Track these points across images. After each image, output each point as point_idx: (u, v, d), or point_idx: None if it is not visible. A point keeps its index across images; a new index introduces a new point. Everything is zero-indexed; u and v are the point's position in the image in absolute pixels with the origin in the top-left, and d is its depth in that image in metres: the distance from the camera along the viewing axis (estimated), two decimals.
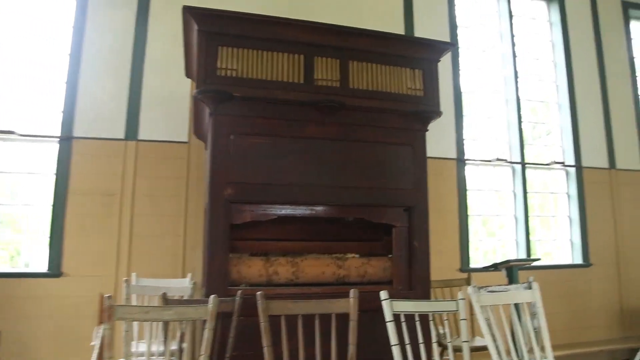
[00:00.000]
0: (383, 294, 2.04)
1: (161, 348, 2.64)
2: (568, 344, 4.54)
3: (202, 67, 2.66)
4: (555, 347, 3.79)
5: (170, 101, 4.04)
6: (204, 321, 1.81)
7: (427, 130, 3.01)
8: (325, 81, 2.82)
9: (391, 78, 2.96)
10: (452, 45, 4.43)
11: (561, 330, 4.51)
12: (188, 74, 3.54)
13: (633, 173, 5.40)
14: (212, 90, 2.61)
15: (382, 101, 2.88)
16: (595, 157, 5.25)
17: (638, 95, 5.63)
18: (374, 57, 2.94)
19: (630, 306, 5.01)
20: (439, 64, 3.13)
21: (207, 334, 1.73)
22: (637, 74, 5.70)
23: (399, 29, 4.63)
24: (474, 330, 3.45)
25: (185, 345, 2.02)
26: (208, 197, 2.61)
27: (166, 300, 2.17)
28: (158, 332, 2.80)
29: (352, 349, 2.04)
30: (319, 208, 2.75)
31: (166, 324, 1.98)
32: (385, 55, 2.96)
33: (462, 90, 4.75)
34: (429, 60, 3.06)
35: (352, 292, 2.10)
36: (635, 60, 5.74)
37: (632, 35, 5.82)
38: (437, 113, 2.99)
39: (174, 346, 2.34)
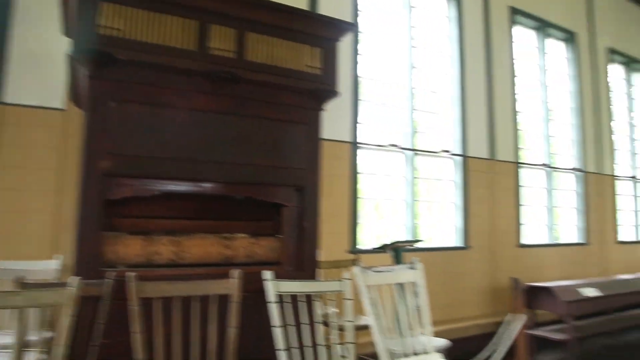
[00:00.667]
0: (266, 274, 1.97)
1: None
2: (446, 319, 4.85)
3: (79, 23, 2.36)
4: (434, 323, 4.03)
5: (45, 61, 3.58)
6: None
7: (324, 110, 2.97)
8: (220, 51, 2.65)
9: (289, 54, 2.86)
10: (353, 26, 4.45)
11: (440, 307, 4.80)
12: (65, 31, 3.15)
13: (509, 164, 5.88)
14: (91, 51, 2.33)
15: (279, 77, 2.78)
16: (479, 147, 5.63)
17: (515, 95, 6.11)
18: (272, 31, 2.81)
19: (499, 284, 5.49)
20: (340, 46, 3.09)
21: (65, 320, 1.53)
22: (515, 75, 6.17)
23: (301, 4, 4.54)
24: (360, 310, 3.53)
25: (48, 334, 1.79)
26: (81, 169, 2.34)
27: (23, 284, 1.91)
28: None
29: (233, 332, 1.95)
30: (207, 185, 2.60)
31: (22, 311, 1.73)
32: (285, 30, 2.85)
33: (360, 75, 4.79)
34: (329, 39, 3.00)
35: (234, 273, 2.00)
36: (515, 62, 6.21)
37: (514, 39, 6.29)
38: (335, 93, 2.95)
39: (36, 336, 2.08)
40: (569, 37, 7.08)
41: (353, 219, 4.50)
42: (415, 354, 2.54)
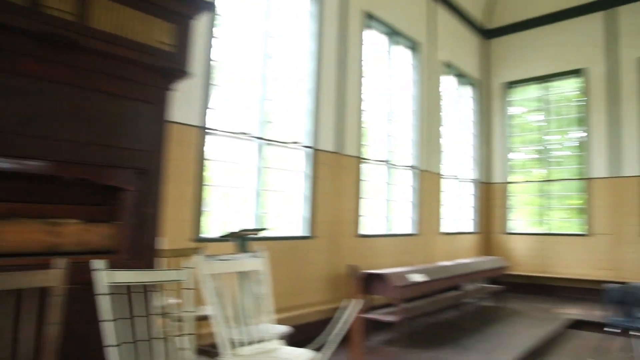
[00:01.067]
0: (96, 263, 1.80)
1: None
2: (289, 307, 4.99)
3: None
4: (278, 311, 4.12)
5: None
6: None
7: (173, 90, 2.81)
8: (57, 11, 2.33)
9: (140, 26, 2.64)
10: (210, 5, 4.29)
11: (284, 295, 4.93)
12: None
13: (353, 159, 6.25)
14: None
15: (126, 49, 2.55)
16: (328, 141, 5.87)
17: (362, 94, 6.48)
18: None
19: (340, 272, 5.82)
20: (195, 26, 2.94)
21: None
22: (363, 76, 6.55)
23: None
24: (202, 300, 3.45)
25: None
26: None
27: None
28: None
29: (53, 329, 1.74)
30: (32, 163, 2.27)
31: None
32: None
33: (214, 58, 4.64)
34: (184, 16, 2.84)
35: (58, 262, 1.79)
36: (365, 63, 6.59)
37: (367, 41, 6.68)
38: (186, 73, 2.81)
39: None
40: (414, 46, 7.76)
41: (198, 207, 4.36)
42: (257, 342, 2.56)
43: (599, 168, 8.47)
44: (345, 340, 3.34)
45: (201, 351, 3.26)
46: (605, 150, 8.42)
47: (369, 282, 5.35)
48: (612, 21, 8.54)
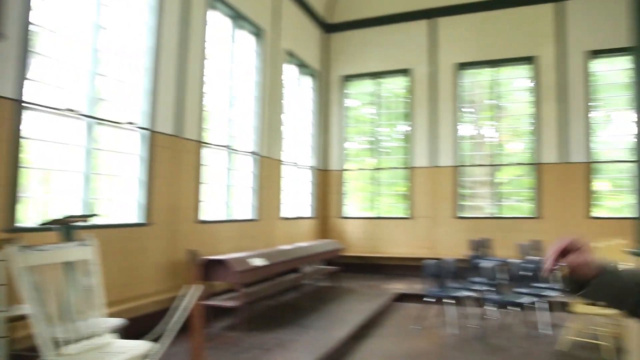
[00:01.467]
0: None
1: None
2: (124, 298, 4.66)
3: None
4: (111, 304, 3.82)
5: None
6: None
7: None
8: None
9: None
10: None
11: (118, 286, 4.59)
12: None
13: (193, 143, 6.04)
14: None
15: None
16: (166, 123, 5.57)
17: (204, 76, 6.29)
18: None
19: (177, 259, 5.61)
20: None
21: None
22: (206, 58, 6.35)
23: None
24: (17, 297, 3.03)
25: None
26: None
27: None
28: None
29: None
30: None
31: None
32: None
33: (36, 22, 4.05)
34: None
35: None
36: (207, 45, 6.40)
37: (210, 22, 6.47)
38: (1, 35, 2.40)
39: None
40: (258, 33, 7.77)
41: (13, 192, 3.80)
42: (86, 338, 2.33)
43: (420, 158, 9.54)
44: (185, 329, 3.24)
45: (16, 357, 2.87)
46: (426, 143, 9.51)
47: (210, 268, 5.26)
48: (434, 29, 9.62)
